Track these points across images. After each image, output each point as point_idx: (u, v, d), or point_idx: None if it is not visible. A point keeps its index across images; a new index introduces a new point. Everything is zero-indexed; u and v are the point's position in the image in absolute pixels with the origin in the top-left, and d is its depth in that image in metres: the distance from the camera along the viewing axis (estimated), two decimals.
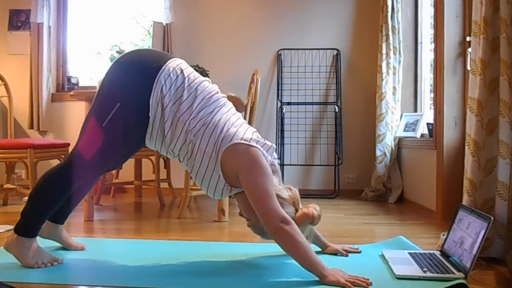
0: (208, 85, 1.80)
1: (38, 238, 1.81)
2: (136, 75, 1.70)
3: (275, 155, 1.79)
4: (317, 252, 1.80)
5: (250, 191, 1.62)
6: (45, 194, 1.75)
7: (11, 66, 4.33)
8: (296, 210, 1.71)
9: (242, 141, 1.66)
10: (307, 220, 1.68)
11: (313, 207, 1.71)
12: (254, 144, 1.67)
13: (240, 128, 1.72)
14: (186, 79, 1.72)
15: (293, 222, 1.58)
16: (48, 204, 1.76)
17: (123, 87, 1.70)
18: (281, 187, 1.73)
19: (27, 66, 4.27)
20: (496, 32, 1.88)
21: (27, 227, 1.75)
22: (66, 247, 2.03)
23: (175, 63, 1.75)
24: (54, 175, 1.76)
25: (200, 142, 1.67)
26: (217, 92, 1.80)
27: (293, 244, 1.55)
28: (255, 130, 1.79)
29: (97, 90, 1.77)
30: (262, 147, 1.70)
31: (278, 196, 1.65)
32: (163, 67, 1.70)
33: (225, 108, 1.78)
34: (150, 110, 1.68)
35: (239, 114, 1.82)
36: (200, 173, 1.70)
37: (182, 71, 1.73)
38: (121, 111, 1.67)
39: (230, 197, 1.86)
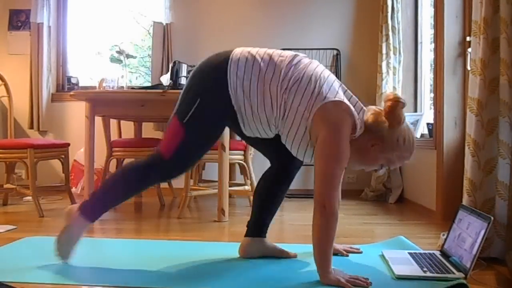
0: (281, 51, 1.77)
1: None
2: (210, 73, 1.72)
3: (360, 103, 1.74)
4: None
5: (318, 165, 1.59)
6: (120, 185, 1.78)
7: (11, 66, 4.33)
8: (379, 111, 1.68)
9: (336, 99, 1.62)
10: (398, 110, 1.61)
11: (390, 98, 1.64)
12: (347, 104, 1.62)
13: (333, 83, 1.68)
14: (257, 55, 1.70)
15: (334, 214, 1.55)
16: (119, 195, 1.79)
17: (201, 85, 1.72)
18: (361, 114, 1.69)
19: (27, 66, 4.27)
20: (496, 32, 1.88)
21: (90, 209, 1.78)
22: (279, 255, 1.94)
23: (240, 49, 1.75)
24: (134, 169, 1.77)
25: (293, 100, 1.64)
26: (296, 54, 1.76)
27: (319, 231, 1.55)
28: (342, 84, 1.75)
29: (179, 97, 1.79)
30: (353, 105, 1.66)
31: (370, 124, 1.65)
32: (230, 57, 1.70)
33: (313, 64, 1.74)
34: (232, 98, 1.67)
35: (327, 69, 1.77)
36: (291, 133, 1.67)
37: (249, 52, 1.73)
38: (202, 105, 1.68)
39: None
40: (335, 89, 1.66)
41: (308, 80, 1.64)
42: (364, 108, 1.73)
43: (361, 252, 1.98)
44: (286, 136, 1.68)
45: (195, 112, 1.68)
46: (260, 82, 1.67)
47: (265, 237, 1.94)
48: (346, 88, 1.74)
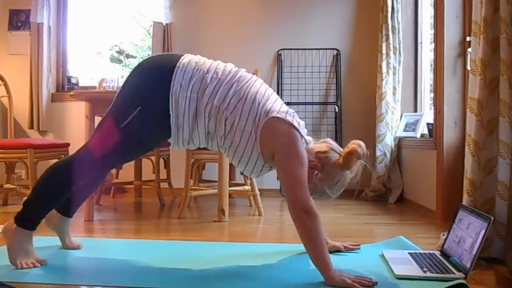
0: (227, 64, 1.79)
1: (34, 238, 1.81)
2: (154, 78, 1.71)
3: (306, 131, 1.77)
4: None
5: (283, 175, 1.63)
6: (50, 186, 1.76)
7: (11, 66, 4.33)
8: (340, 155, 1.73)
9: (279, 115, 1.65)
10: (354, 156, 1.68)
11: (354, 143, 1.71)
12: (290, 120, 1.65)
13: (275, 102, 1.71)
14: (203, 67, 1.72)
15: (316, 214, 1.57)
16: (52, 197, 1.77)
17: (142, 91, 1.71)
18: (317, 145, 1.74)
19: (27, 66, 4.27)
20: (496, 32, 1.88)
21: (27, 218, 1.76)
22: (62, 243, 2.04)
23: (188, 58, 1.75)
24: (60, 168, 1.77)
25: (239, 119, 1.66)
26: (238, 69, 1.78)
27: (309, 237, 1.56)
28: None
29: (116, 93, 1.79)
30: (295, 121, 1.68)
31: (319, 152, 1.70)
32: (177, 64, 1.70)
33: (257, 81, 1.76)
34: (171, 107, 1.67)
35: (268, 86, 1.80)
36: (239, 152, 1.69)
37: (196, 62, 1.73)
38: (141, 114, 1.68)
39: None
40: (278, 106, 1.69)
41: (252, 99, 1.67)
42: (305, 129, 1.76)
43: (359, 247, 2.00)
44: (233, 153, 1.71)
45: (133, 119, 1.68)
46: (201, 95, 1.67)
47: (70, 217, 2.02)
48: (288, 108, 1.75)
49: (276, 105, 1.69)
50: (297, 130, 1.66)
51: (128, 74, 1.83)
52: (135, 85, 1.75)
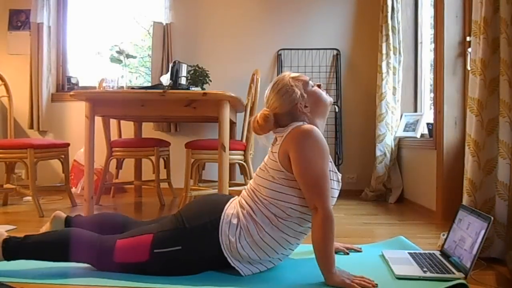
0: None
1: None
2: (202, 228, 1.62)
3: None
4: None
5: (304, 175, 1.58)
6: (55, 250, 1.65)
7: (11, 66, 4.33)
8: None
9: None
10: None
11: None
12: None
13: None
14: (245, 213, 1.65)
15: (333, 215, 1.55)
16: (51, 256, 1.66)
17: (191, 234, 1.62)
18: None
19: (27, 66, 4.26)
20: (496, 32, 1.88)
21: (14, 251, 1.64)
22: None
23: (232, 205, 1.70)
24: (76, 241, 1.65)
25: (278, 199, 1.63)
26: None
27: (325, 237, 1.53)
28: None
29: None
30: None
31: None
32: (222, 215, 1.64)
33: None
34: (223, 248, 1.61)
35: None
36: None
37: (237, 212, 1.67)
38: (178, 253, 1.61)
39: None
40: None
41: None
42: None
43: (361, 251, 1.99)
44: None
45: (168, 253, 1.60)
46: (253, 241, 1.62)
47: None
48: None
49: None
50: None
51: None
52: (188, 219, 1.65)
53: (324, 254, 1.54)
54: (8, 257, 1.64)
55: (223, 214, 1.64)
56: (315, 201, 1.56)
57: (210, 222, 1.62)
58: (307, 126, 1.62)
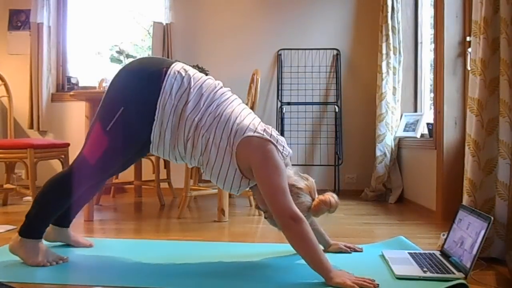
0: (213, 82, 1.81)
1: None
2: (142, 80, 1.72)
3: (288, 148, 1.77)
4: None
5: (263, 187, 1.63)
6: (51, 198, 1.78)
7: (11, 66, 4.33)
8: (313, 199, 1.73)
9: (256, 134, 1.66)
10: (325, 207, 1.70)
11: (330, 195, 1.73)
12: (268, 137, 1.67)
13: (253, 120, 1.73)
14: (192, 79, 1.74)
15: (304, 219, 1.56)
16: (53, 208, 1.79)
17: (128, 92, 1.73)
18: (297, 178, 1.74)
19: (27, 66, 4.26)
20: (496, 32, 1.88)
21: (31, 230, 1.77)
22: (75, 245, 2.07)
23: (179, 66, 1.77)
24: (60, 180, 1.79)
25: (214, 137, 1.68)
26: (222, 87, 1.82)
27: (301, 242, 1.55)
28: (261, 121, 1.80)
29: (103, 97, 1.79)
30: (274, 139, 1.69)
31: (294, 186, 1.68)
32: (169, 70, 1.72)
33: (235, 101, 1.79)
34: (157, 112, 1.69)
35: (246, 106, 1.83)
36: (216, 168, 1.70)
37: (186, 72, 1.76)
38: (125, 115, 1.70)
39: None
40: (254, 126, 1.69)
41: (227, 118, 1.69)
42: (282, 138, 1.76)
43: (361, 250, 1.99)
44: (211, 171, 1.72)
45: (117, 120, 1.69)
46: (184, 108, 1.70)
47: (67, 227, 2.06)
48: (265, 126, 1.75)
49: (253, 124, 1.70)
50: (274, 144, 1.67)
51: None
52: (121, 85, 1.76)
53: (316, 258, 1.54)
54: (35, 236, 1.77)
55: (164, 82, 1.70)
56: (285, 207, 1.56)
57: (148, 78, 1.71)
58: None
